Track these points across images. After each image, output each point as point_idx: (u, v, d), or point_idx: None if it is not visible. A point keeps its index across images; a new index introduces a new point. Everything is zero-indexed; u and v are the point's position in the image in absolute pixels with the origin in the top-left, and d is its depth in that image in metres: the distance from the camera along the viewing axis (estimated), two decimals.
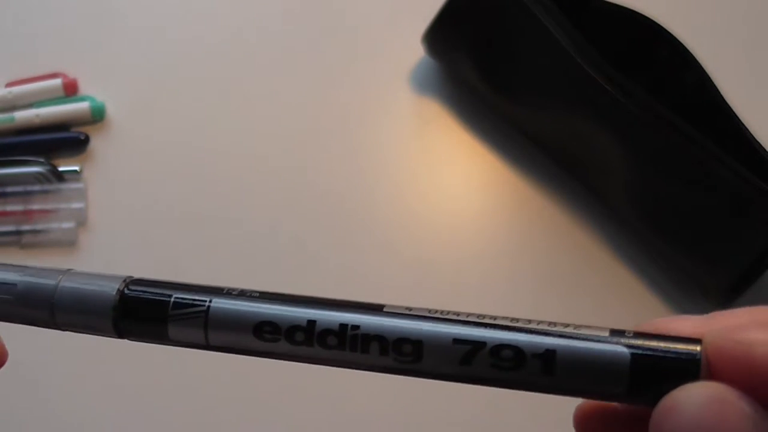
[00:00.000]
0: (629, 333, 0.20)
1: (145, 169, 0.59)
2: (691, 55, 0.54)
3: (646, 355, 0.19)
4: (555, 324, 0.20)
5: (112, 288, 0.23)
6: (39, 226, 0.56)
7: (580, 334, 0.20)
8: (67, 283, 0.23)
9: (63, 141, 0.59)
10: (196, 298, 0.22)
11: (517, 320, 0.20)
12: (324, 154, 0.59)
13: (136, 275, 0.23)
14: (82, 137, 0.59)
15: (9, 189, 0.57)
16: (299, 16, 0.64)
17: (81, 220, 0.56)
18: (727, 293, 0.50)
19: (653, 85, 0.52)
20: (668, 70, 0.55)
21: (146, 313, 0.22)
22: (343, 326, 0.21)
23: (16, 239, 0.56)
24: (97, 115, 0.60)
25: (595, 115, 0.53)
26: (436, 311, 0.21)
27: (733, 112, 0.52)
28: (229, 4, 0.65)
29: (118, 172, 0.59)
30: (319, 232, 0.57)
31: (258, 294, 0.22)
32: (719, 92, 0.52)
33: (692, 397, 0.18)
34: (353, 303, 0.21)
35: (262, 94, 0.61)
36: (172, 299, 0.22)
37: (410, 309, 0.21)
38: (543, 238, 0.57)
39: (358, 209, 0.58)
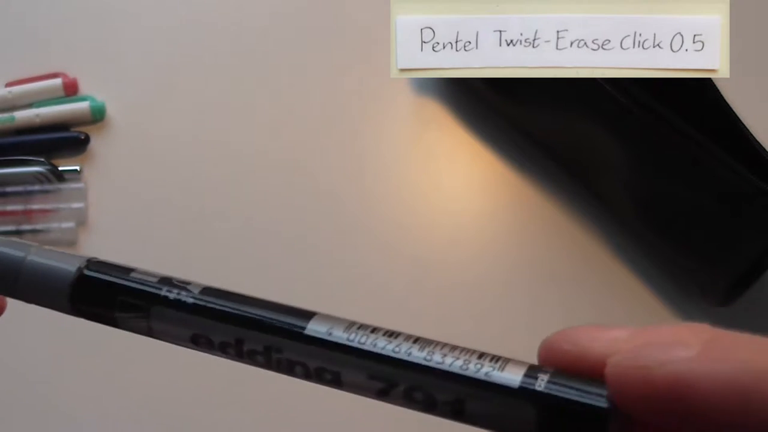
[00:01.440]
0: (545, 372, 0.19)
1: (145, 169, 0.59)
2: None
3: (553, 403, 0.19)
4: (481, 356, 0.20)
5: (72, 266, 0.23)
6: (39, 226, 0.56)
7: (492, 382, 0.19)
8: (34, 257, 0.24)
9: (63, 141, 0.59)
10: (138, 303, 0.22)
11: (435, 351, 0.20)
12: (324, 153, 0.59)
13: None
14: (82, 137, 0.59)
15: (9, 189, 0.57)
16: (299, 16, 0.64)
17: (81, 220, 0.56)
18: (727, 293, 0.50)
19: (653, 86, 0.52)
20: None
21: (97, 298, 0.23)
22: (268, 348, 0.21)
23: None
24: (97, 115, 0.60)
25: (594, 115, 0.53)
26: (355, 338, 0.20)
27: (733, 112, 0.52)
28: (229, 4, 0.65)
29: (118, 172, 0.59)
30: (318, 232, 0.57)
31: (192, 304, 0.22)
32: (719, 92, 0.52)
33: None
34: (277, 322, 0.21)
35: (262, 93, 0.61)
36: (118, 300, 0.23)
37: (330, 333, 0.21)
38: (543, 238, 0.57)
39: (357, 209, 0.58)
